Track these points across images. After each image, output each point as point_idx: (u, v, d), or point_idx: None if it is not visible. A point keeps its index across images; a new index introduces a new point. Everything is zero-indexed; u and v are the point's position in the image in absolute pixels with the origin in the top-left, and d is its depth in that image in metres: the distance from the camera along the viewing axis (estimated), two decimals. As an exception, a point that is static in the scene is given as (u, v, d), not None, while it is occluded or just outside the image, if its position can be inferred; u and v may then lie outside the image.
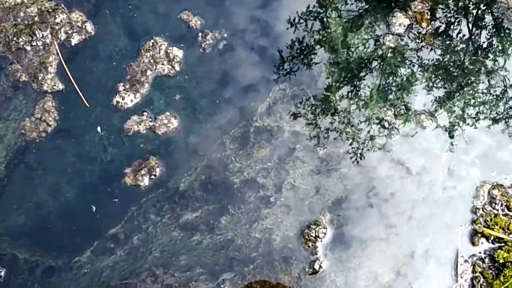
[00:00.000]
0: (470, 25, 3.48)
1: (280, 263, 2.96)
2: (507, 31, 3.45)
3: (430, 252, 2.93)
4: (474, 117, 3.23)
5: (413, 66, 3.35)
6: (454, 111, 3.24)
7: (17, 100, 3.16)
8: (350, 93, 3.30)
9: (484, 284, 2.85)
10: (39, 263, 2.93)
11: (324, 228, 2.97)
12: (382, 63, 3.36)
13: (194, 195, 3.11)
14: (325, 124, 3.23)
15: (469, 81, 3.31)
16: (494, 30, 3.46)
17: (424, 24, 3.42)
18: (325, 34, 3.42)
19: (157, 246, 3.01)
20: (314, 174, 3.15)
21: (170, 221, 3.06)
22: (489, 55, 3.39)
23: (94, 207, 2.98)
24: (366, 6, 3.49)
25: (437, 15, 3.46)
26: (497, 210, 2.99)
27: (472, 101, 3.28)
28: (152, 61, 3.26)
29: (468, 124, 3.21)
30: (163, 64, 3.27)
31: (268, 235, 3.03)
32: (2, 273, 2.88)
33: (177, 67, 3.28)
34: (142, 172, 3.02)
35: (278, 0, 3.49)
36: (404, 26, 3.40)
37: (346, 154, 3.15)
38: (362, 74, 3.34)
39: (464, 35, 3.44)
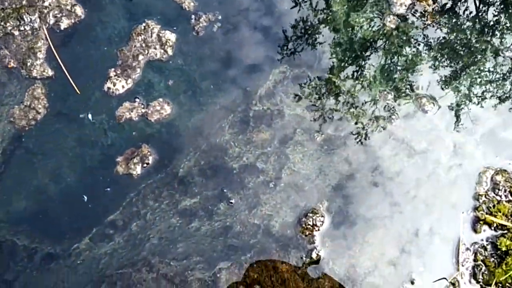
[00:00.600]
0: (477, 2, 3.35)
1: (278, 251, 2.90)
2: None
3: (431, 238, 2.86)
4: (480, 96, 3.13)
5: (418, 45, 3.24)
6: (460, 90, 3.14)
7: (12, 85, 3.08)
8: (352, 74, 3.21)
9: (486, 272, 2.78)
10: (38, 250, 2.90)
11: (322, 216, 2.90)
12: (385, 43, 3.25)
13: (193, 180, 3.05)
14: (326, 106, 3.14)
15: (475, 60, 3.20)
16: (501, 7, 3.34)
17: (429, 1, 3.30)
18: (326, 14, 3.31)
19: (155, 233, 2.96)
20: (314, 158, 3.07)
21: (168, 207, 3.01)
22: (496, 33, 3.27)
23: (85, 197, 2.91)
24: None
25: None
26: (500, 196, 2.90)
27: (478, 80, 3.17)
28: (144, 45, 3.16)
29: (474, 103, 3.11)
30: (155, 48, 3.17)
31: (267, 222, 2.97)
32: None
33: (170, 52, 3.17)
34: (135, 160, 2.95)
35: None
36: (406, 5, 3.28)
37: (348, 136, 3.07)
38: (365, 54, 3.24)
39: (470, 12, 3.32)
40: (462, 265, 2.80)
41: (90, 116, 3.02)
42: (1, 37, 3.14)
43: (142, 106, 3.06)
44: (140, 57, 3.15)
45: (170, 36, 3.19)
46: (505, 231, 2.82)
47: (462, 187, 2.95)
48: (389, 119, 3.09)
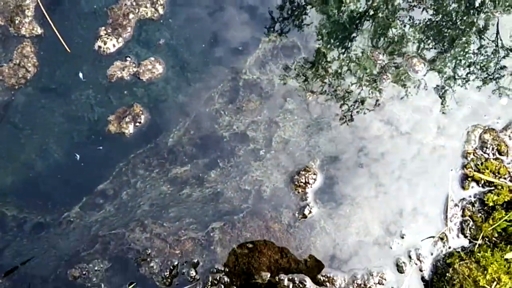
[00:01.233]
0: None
1: (270, 211, 2.93)
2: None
3: (421, 196, 2.92)
4: (467, 67, 3.16)
5: (403, 23, 3.23)
6: (445, 57, 3.16)
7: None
8: (340, 45, 3.19)
9: (473, 227, 2.84)
10: (27, 220, 2.89)
11: (314, 174, 2.93)
12: (372, 15, 3.24)
13: (183, 149, 3.02)
14: (315, 76, 3.13)
15: (460, 38, 3.20)
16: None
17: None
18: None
19: (146, 200, 2.96)
20: (304, 126, 3.08)
21: (159, 176, 2.99)
22: (482, 14, 3.28)
23: (77, 156, 2.90)
24: None
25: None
26: (488, 154, 2.95)
27: (463, 58, 3.18)
28: (134, 3, 3.10)
29: (461, 78, 3.14)
30: (146, 7, 3.11)
31: (258, 187, 2.98)
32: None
33: (161, 10, 3.12)
34: (127, 119, 2.93)
35: None
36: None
37: (337, 106, 3.07)
38: (353, 25, 3.22)
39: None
40: (451, 221, 2.86)
41: (81, 75, 2.98)
42: (-13, -7, 3.07)
43: (134, 65, 3.03)
44: (131, 15, 3.09)
45: (161, -5, 3.15)
46: (492, 188, 2.88)
47: (451, 147, 3.00)
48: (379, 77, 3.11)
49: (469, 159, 2.95)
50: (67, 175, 2.94)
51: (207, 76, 3.13)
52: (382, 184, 2.94)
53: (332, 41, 3.19)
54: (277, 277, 2.80)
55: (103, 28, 3.07)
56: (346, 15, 3.23)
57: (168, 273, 2.78)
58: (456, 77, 3.11)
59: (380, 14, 3.23)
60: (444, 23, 3.24)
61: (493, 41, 3.18)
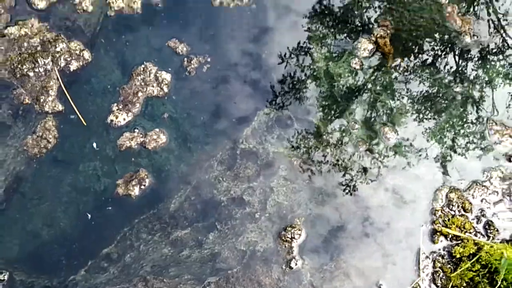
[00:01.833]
0: (429, 49, 3.89)
1: (262, 267, 3.24)
2: (461, 53, 3.85)
3: (394, 251, 3.24)
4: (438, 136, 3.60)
5: (375, 86, 3.73)
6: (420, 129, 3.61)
7: (17, 127, 3.46)
8: (331, 118, 3.64)
9: (444, 277, 3.14)
10: (35, 284, 3.14)
11: (299, 230, 3.28)
12: (356, 87, 3.74)
13: (184, 214, 3.35)
14: (307, 145, 3.54)
15: (434, 103, 3.69)
16: (451, 52, 3.87)
17: (386, 49, 3.82)
18: (309, 68, 3.81)
19: (148, 262, 3.24)
20: (296, 191, 3.46)
21: (161, 239, 3.29)
22: (448, 75, 3.78)
23: (89, 215, 3.28)
24: (335, 32, 3.90)
25: (399, 41, 3.88)
26: (454, 211, 3.31)
27: (437, 122, 3.64)
28: (143, 83, 3.63)
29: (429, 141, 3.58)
30: (153, 86, 3.63)
31: (253, 247, 3.28)
32: (6, 277, 3.16)
33: (166, 89, 3.63)
34: (133, 182, 3.34)
35: (250, 25, 3.91)
36: (368, 50, 3.80)
37: (327, 171, 3.48)
38: (344, 99, 3.69)
39: (421, 56, 3.85)
40: (423, 272, 3.17)
41: (94, 144, 3.44)
42: (18, 78, 3.59)
43: (141, 135, 3.50)
44: (140, 93, 3.60)
45: (166, 76, 3.66)
46: (459, 241, 3.21)
47: (422, 204, 3.37)
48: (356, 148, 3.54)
49: (437, 215, 3.30)
50: (73, 240, 3.23)
51: (207, 146, 3.53)
52: (361, 242, 3.28)
53: (323, 113, 3.63)
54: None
55: (115, 104, 3.56)
56: (337, 89, 3.71)
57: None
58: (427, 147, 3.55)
59: (369, 87, 3.73)
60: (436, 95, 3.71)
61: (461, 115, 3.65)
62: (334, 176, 3.44)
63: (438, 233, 3.23)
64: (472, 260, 3.09)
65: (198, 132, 3.54)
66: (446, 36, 3.87)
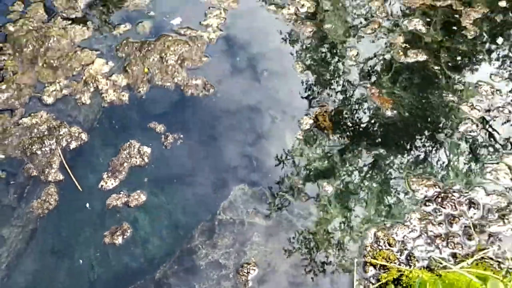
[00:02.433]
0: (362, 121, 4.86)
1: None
2: (385, 125, 4.82)
3: (334, 281, 3.90)
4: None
5: (321, 151, 4.64)
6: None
7: (33, 187, 4.35)
8: (304, 191, 4.34)
9: (373, 299, 3.78)
10: None
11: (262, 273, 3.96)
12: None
13: (168, 281, 3.86)
14: (279, 216, 4.18)
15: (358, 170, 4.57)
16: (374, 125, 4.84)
17: (327, 122, 4.79)
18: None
19: None
20: (268, 253, 4.18)
21: None
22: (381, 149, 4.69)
23: (81, 261, 3.98)
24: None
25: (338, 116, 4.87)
26: (381, 246, 4.03)
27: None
28: (128, 156, 4.52)
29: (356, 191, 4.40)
30: (136, 158, 4.52)
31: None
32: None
33: (146, 160, 4.51)
34: (118, 233, 4.09)
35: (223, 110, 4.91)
36: (309, 124, 4.78)
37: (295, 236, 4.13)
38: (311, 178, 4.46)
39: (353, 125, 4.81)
40: (357, 296, 3.81)
41: (87, 205, 4.25)
42: (28, 156, 4.49)
43: (125, 196, 4.32)
44: (125, 164, 4.48)
45: (147, 149, 4.56)
46: (386, 269, 3.89)
47: (355, 242, 4.09)
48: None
49: (367, 250, 4.02)
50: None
51: (187, 217, 4.16)
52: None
53: (293, 189, 4.35)
54: None
55: (105, 173, 4.42)
56: (305, 169, 4.53)
57: None
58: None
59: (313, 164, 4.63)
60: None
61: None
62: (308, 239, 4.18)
63: (368, 264, 3.93)
64: (396, 283, 3.75)
65: (177, 201, 4.30)
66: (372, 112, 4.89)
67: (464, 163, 4.48)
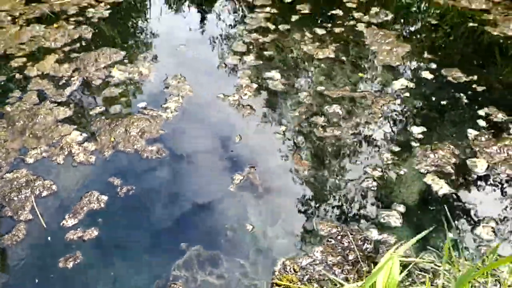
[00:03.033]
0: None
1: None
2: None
3: (246, 299, 4.68)
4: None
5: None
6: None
7: (6, 225, 5.24)
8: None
9: (276, 311, 4.53)
10: None
11: None
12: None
13: None
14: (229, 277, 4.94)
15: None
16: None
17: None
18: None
19: None
20: None
21: None
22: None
23: (37, 280, 4.79)
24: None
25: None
26: (288, 271, 4.89)
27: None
28: (88, 202, 5.54)
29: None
30: (94, 203, 5.54)
31: None
32: None
33: (102, 205, 5.53)
34: (70, 259, 4.96)
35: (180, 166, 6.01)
36: (240, 180, 5.88)
37: None
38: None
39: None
40: (262, 310, 4.56)
41: (49, 238, 5.17)
42: (7, 201, 5.52)
43: (81, 232, 5.25)
44: (85, 208, 5.48)
45: (104, 197, 5.61)
46: (288, 289, 4.71)
47: (265, 269, 4.94)
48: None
49: (275, 274, 4.87)
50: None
51: (141, 277, 4.95)
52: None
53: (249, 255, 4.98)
54: None
55: (68, 214, 5.38)
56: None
57: None
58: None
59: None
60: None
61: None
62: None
63: (274, 284, 4.76)
64: (295, 298, 4.56)
65: (130, 254, 5.21)
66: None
67: (363, 209, 5.51)
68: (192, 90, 7.28)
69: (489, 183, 5.78)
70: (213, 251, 5.02)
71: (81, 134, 6.43)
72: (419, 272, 4.81)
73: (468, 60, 7.92)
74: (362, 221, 5.38)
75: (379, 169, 5.96)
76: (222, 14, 9.60)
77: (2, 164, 5.94)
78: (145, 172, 5.91)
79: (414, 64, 7.90)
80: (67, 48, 8.40)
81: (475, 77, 7.49)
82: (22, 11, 9.58)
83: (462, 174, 5.89)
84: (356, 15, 9.36)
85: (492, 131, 6.48)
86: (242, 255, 5.02)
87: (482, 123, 6.64)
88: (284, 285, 4.72)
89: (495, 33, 8.64)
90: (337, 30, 8.84)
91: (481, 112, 6.82)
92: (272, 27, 9.03)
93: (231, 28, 9.06)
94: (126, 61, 8.04)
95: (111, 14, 9.59)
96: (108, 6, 9.84)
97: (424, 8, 9.55)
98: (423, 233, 3.99)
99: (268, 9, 9.69)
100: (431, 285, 4.53)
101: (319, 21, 9.10)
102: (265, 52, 8.23)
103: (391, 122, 6.72)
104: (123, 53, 8.25)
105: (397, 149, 6.27)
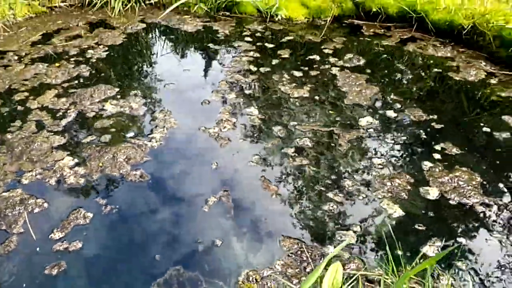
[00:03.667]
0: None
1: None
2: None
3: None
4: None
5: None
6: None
7: (1, 238, 5.83)
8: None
9: (236, 315, 5.04)
10: None
11: (153, 293, 5.30)
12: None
13: None
14: None
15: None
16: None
17: (228, 203, 6.53)
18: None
19: None
20: None
21: None
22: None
23: (24, 285, 5.33)
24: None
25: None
26: (250, 281, 5.44)
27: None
28: (75, 218, 6.15)
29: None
30: (81, 219, 6.13)
31: None
32: None
33: (88, 221, 6.10)
34: (55, 267, 5.52)
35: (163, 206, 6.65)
36: (214, 201, 6.51)
37: None
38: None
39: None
40: (225, 314, 5.07)
41: (38, 248, 5.74)
42: (2, 216, 6.12)
43: (67, 244, 5.83)
44: (72, 223, 6.08)
45: (90, 214, 6.22)
46: (250, 295, 5.24)
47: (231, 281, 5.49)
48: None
49: (239, 283, 5.41)
50: None
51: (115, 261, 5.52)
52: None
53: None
54: None
55: (56, 229, 5.99)
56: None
57: None
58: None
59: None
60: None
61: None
62: None
63: (237, 292, 5.30)
64: (254, 303, 5.09)
65: (107, 244, 5.80)
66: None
67: (323, 229, 6.11)
68: (176, 123, 8.03)
69: (439, 208, 6.41)
70: (186, 264, 5.59)
71: (73, 159, 7.11)
72: (368, 284, 5.37)
73: (430, 101, 8.72)
74: (321, 238, 5.97)
75: (341, 194, 6.60)
76: (210, 58, 10.52)
77: (0, 184, 6.59)
78: (128, 193, 6.54)
79: (380, 104, 8.69)
80: (66, 84, 9.23)
81: (435, 116, 8.23)
82: (28, 51, 10.53)
83: (414, 200, 6.52)
84: (332, 60, 10.26)
85: (446, 163, 7.15)
86: (211, 266, 5.59)
87: (437, 156, 7.31)
88: (246, 292, 5.27)
89: (457, 78, 9.49)
90: (313, 73, 9.71)
91: (437, 147, 7.50)
92: (254, 69, 9.91)
93: (217, 70, 9.94)
94: (118, 96, 8.85)
95: (108, 56, 10.52)
96: (106, 48, 10.80)
97: (395, 55, 10.47)
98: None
99: (251, 53, 10.63)
100: (375, 292, 5.09)
101: (297, 64, 9.98)
102: (246, 91, 9.05)
103: (355, 153, 7.42)
104: (116, 89, 9.07)
105: (358, 177, 6.93)
